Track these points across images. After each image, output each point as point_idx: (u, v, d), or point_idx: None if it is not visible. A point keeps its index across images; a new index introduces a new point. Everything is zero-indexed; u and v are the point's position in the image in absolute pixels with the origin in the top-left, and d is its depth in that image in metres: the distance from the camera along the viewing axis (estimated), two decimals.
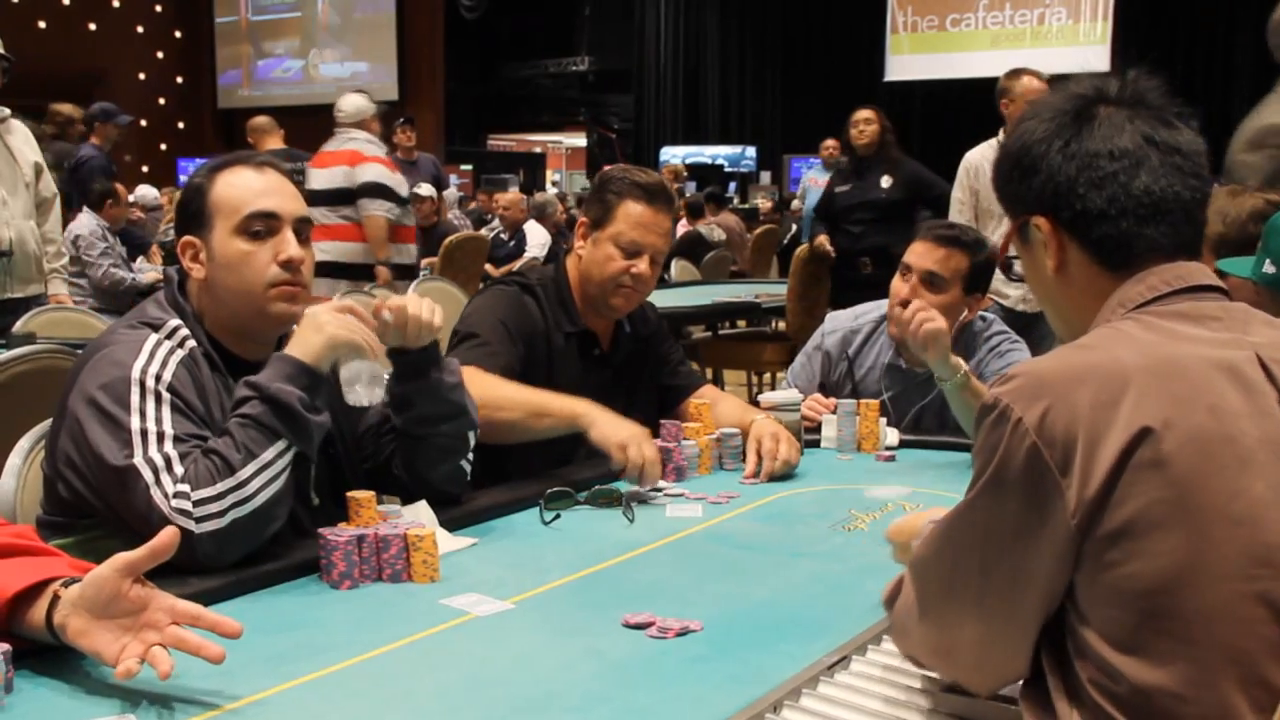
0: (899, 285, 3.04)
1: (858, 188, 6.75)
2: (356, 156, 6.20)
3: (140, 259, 8.29)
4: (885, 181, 6.68)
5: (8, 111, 4.90)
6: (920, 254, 3.03)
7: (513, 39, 20.31)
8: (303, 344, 2.00)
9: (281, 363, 1.97)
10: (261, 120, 7.15)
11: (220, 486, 1.85)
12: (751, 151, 18.64)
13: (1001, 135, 5.47)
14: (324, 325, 2.00)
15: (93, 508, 1.94)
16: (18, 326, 4.35)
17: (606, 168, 2.97)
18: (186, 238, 2.12)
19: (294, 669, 1.54)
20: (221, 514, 1.84)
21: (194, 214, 2.10)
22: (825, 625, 1.70)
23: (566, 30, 20.87)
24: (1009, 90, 5.55)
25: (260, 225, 2.06)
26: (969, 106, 5.78)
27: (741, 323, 8.24)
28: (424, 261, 8.75)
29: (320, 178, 6.25)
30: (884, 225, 6.57)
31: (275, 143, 7.03)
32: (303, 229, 2.11)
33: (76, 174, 7.79)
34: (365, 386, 2.02)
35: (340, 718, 1.42)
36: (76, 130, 8.05)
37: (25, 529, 1.73)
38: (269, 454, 1.90)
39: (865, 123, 6.65)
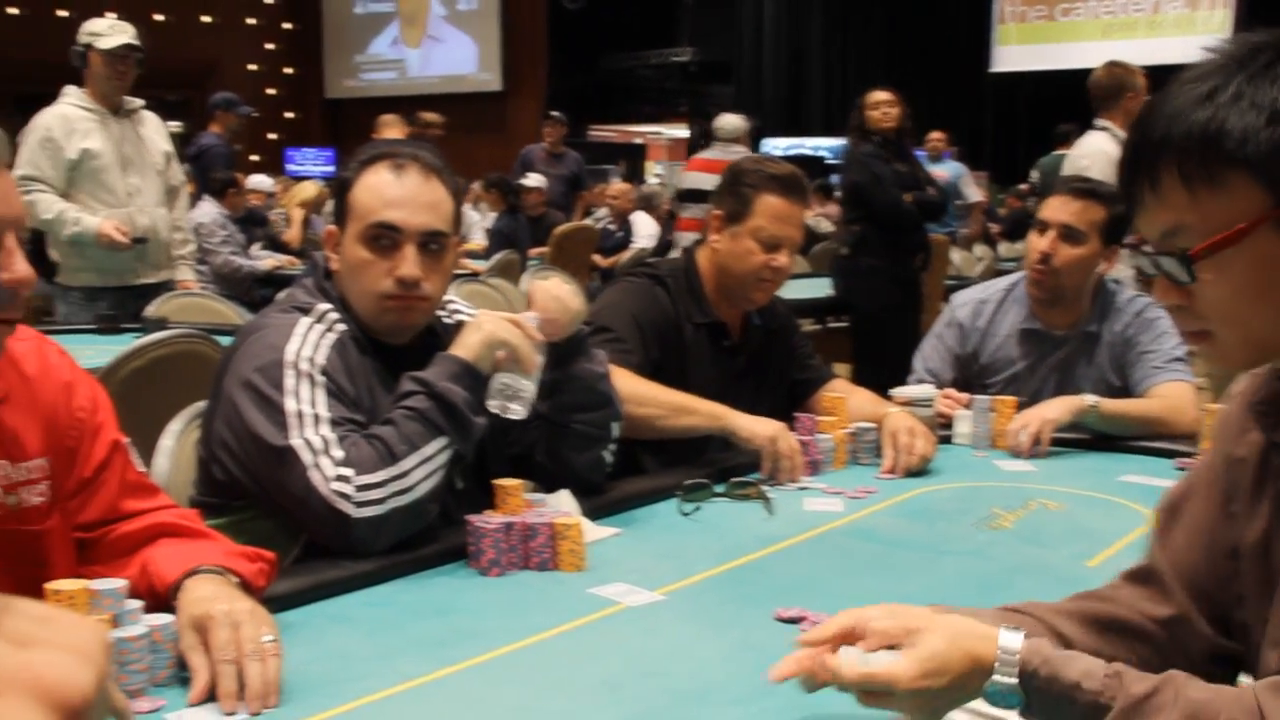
0: (1036, 241, 3.03)
1: (909, 171, 6.34)
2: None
3: (256, 245, 8.45)
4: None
5: (140, 102, 5.01)
6: (1056, 208, 3.02)
7: (614, 30, 20.31)
8: (467, 345, 2.02)
9: (448, 362, 1.99)
10: (389, 118, 7.25)
11: (383, 474, 1.87)
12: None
13: (1113, 128, 5.30)
14: (488, 327, 2.03)
15: (246, 490, 1.98)
16: (149, 310, 4.46)
17: (739, 159, 2.95)
18: (330, 227, 2.16)
19: (450, 654, 1.55)
20: (381, 501, 1.86)
21: (339, 206, 2.13)
22: None
23: (668, 21, 20.81)
24: (1130, 83, 5.39)
25: (383, 237, 2.06)
26: (1079, 98, 5.63)
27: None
28: (533, 251, 8.82)
29: (693, 179, 7.15)
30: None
31: (395, 133, 7.13)
32: (431, 241, 2.08)
33: (198, 162, 7.96)
34: (512, 398, 2.03)
35: (502, 703, 1.43)
36: None
37: (191, 513, 1.77)
38: (431, 448, 1.92)
39: (889, 104, 6.28)
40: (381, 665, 1.51)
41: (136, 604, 1.46)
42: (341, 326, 2.07)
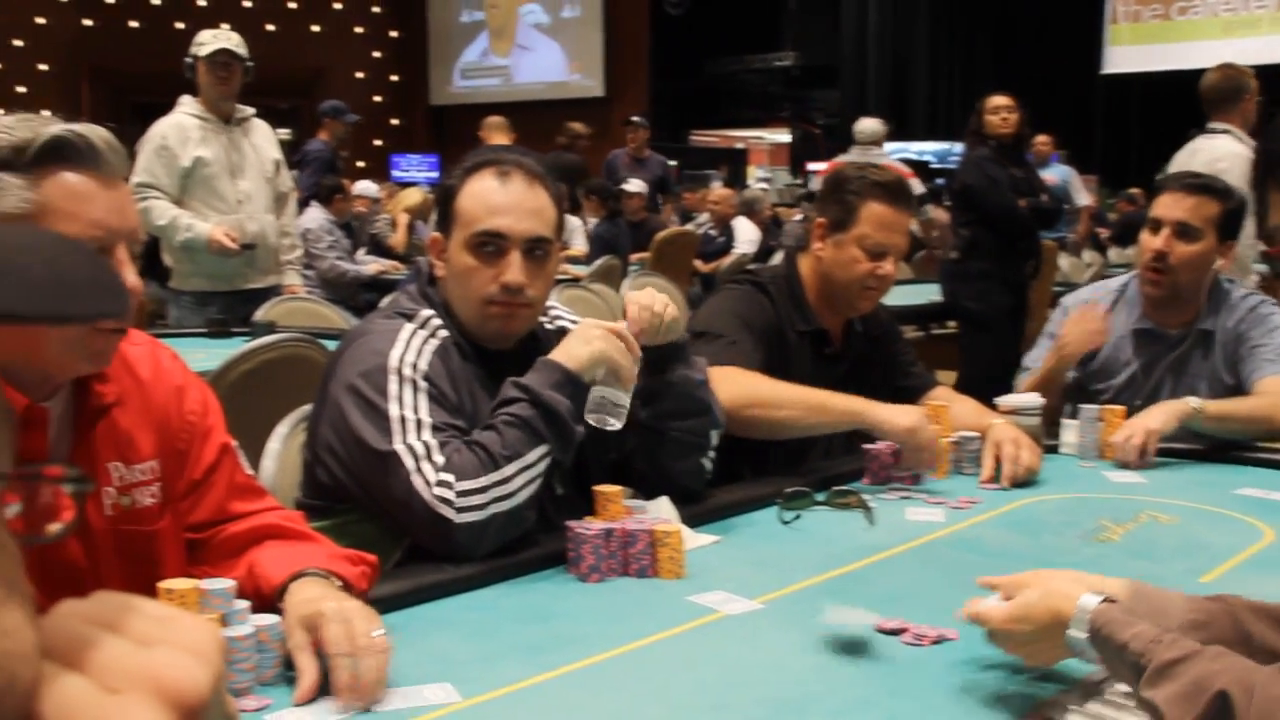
0: (1149, 240, 2.98)
1: (1026, 178, 6.23)
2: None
3: (361, 251, 8.59)
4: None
5: (251, 111, 5.13)
6: (1169, 205, 2.96)
7: (717, 34, 20.29)
8: (571, 355, 2.02)
9: (551, 370, 2.00)
10: (495, 120, 7.31)
11: (484, 480, 1.89)
12: (959, 148, 18.16)
13: (1235, 130, 5.15)
14: (593, 339, 2.03)
15: (350, 493, 2.00)
16: (258, 315, 4.55)
17: (841, 165, 2.93)
18: (435, 234, 2.18)
19: (550, 660, 1.56)
20: (482, 507, 1.87)
21: (444, 213, 2.16)
22: None
23: (771, 25, 20.74)
24: (1247, 85, 5.24)
25: (489, 244, 2.08)
26: (1195, 100, 5.46)
27: (952, 323, 8.04)
28: (634, 257, 8.84)
29: None
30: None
31: (501, 137, 7.19)
32: (535, 247, 2.10)
33: (304, 167, 8.13)
34: (610, 412, 2.03)
35: (600, 710, 1.43)
36: None
37: (296, 515, 1.80)
38: (532, 456, 1.93)
39: (1009, 110, 6.15)
40: (481, 669, 1.52)
41: (244, 604, 1.49)
42: (444, 333, 2.09)
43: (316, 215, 7.48)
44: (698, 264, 9.05)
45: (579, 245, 9.23)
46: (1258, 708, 1.15)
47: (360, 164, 17.06)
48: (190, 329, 4.77)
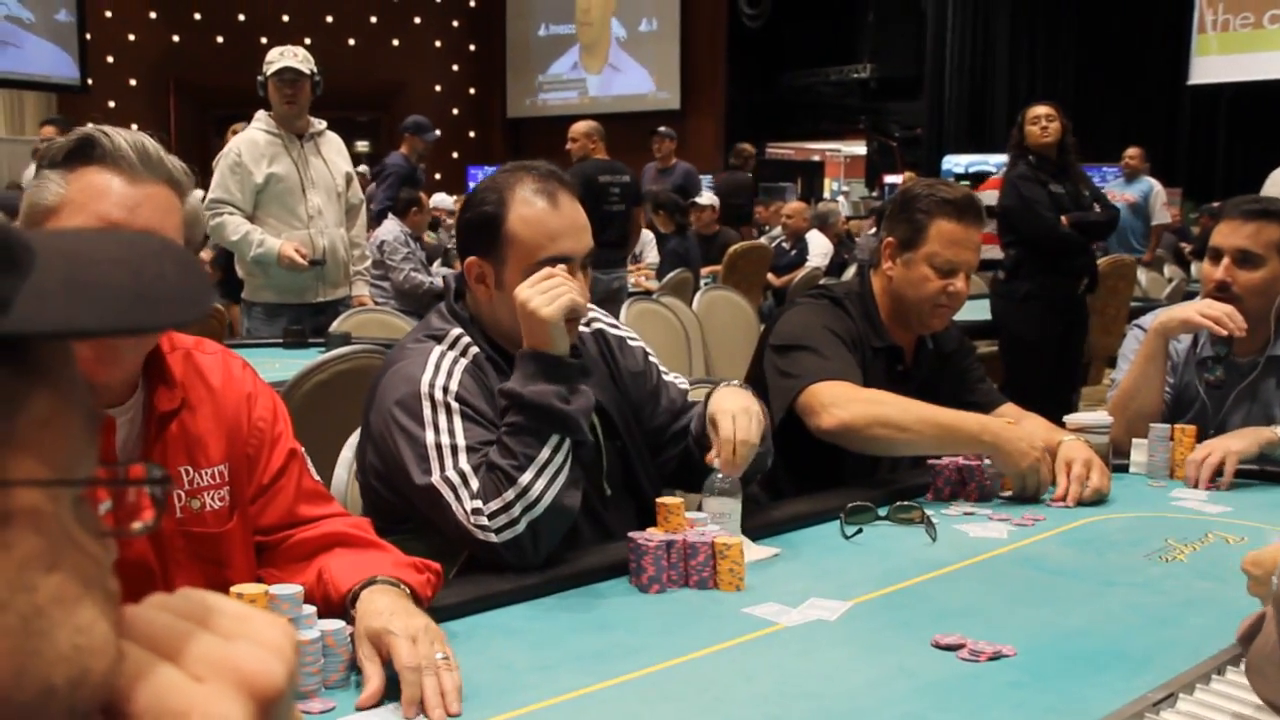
0: (1210, 270, 2.92)
1: (1069, 192, 5.93)
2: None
3: (437, 262, 8.69)
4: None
5: (323, 124, 5.24)
6: (1227, 233, 2.91)
7: (794, 47, 20.25)
8: (530, 334, 2.00)
9: (525, 362, 1.99)
10: (586, 126, 7.30)
11: (508, 496, 1.90)
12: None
13: None
14: (534, 309, 1.98)
15: (404, 514, 2.05)
16: (334, 327, 4.64)
17: (910, 184, 2.91)
18: (474, 259, 2.13)
19: (609, 669, 1.58)
20: (515, 521, 1.89)
21: (487, 240, 2.10)
22: (1147, 659, 1.63)
23: (849, 37, 20.65)
24: None
25: (553, 267, 2.07)
26: None
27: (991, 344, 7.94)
28: (706, 270, 8.86)
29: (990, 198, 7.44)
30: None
31: (600, 153, 7.22)
32: (587, 259, 2.13)
33: (382, 181, 8.25)
34: (728, 518, 2.06)
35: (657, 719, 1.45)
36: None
37: (363, 522, 1.85)
38: (545, 453, 1.94)
39: (1049, 118, 5.88)
40: (541, 677, 1.55)
41: (310, 609, 1.53)
42: (474, 350, 2.11)
43: (392, 228, 7.58)
44: (770, 277, 9.04)
45: (651, 258, 9.26)
46: None
47: (437, 176, 17.29)
48: (267, 340, 4.88)
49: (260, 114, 5.14)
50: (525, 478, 1.92)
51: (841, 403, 2.50)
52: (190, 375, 1.74)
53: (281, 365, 3.66)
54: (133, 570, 1.63)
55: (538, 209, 2.08)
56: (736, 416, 2.05)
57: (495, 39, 19.63)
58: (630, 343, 2.36)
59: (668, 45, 18.45)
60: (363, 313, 5.04)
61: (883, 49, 20.13)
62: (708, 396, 2.17)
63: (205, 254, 8.15)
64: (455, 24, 19.21)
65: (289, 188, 5.03)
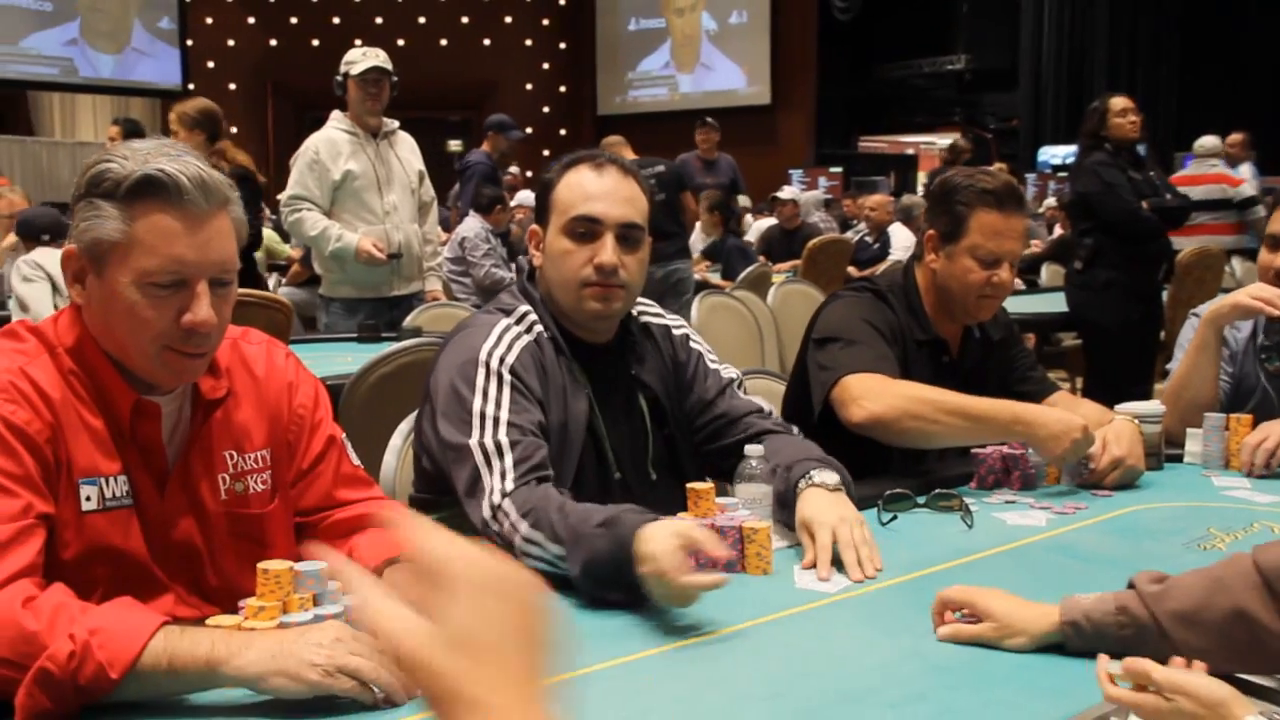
0: (1267, 258, 2.87)
1: (1145, 179, 5.97)
2: (1222, 178, 8.43)
3: (520, 258, 8.78)
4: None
5: (395, 124, 5.36)
6: None
7: (887, 39, 20.08)
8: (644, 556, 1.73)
9: (621, 540, 1.76)
10: (612, 139, 7.45)
11: (538, 536, 1.87)
12: (1140, 150, 17.52)
13: None
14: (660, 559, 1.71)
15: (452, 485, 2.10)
16: (407, 321, 4.76)
17: (948, 174, 2.89)
18: (533, 227, 2.28)
19: (623, 647, 1.62)
20: (514, 548, 1.89)
21: (541, 206, 2.25)
22: None
23: (943, 29, 20.41)
24: None
25: (583, 228, 2.16)
26: None
27: (1071, 336, 7.82)
28: (787, 264, 8.85)
29: (1196, 192, 7.72)
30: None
31: (625, 154, 7.31)
32: (628, 233, 2.18)
33: (463, 178, 8.38)
34: (759, 504, 2.10)
35: (661, 696, 1.49)
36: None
37: (397, 505, 1.92)
38: (557, 553, 1.84)
39: (1135, 111, 5.97)
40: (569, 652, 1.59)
41: (335, 584, 1.60)
42: (539, 329, 2.18)
43: (474, 224, 7.70)
44: (851, 271, 9.00)
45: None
46: None
47: (529, 174, 17.47)
48: (340, 334, 5.01)
49: (335, 114, 5.26)
50: (544, 540, 1.86)
51: (873, 396, 2.51)
52: (235, 364, 1.83)
53: (354, 359, 3.76)
54: (181, 549, 1.72)
55: (583, 175, 2.21)
56: (838, 529, 1.98)
57: (585, 36, 19.74)
58: (675, 331, 2.41)
59: (758, 39, 18.39)
60: (436, 307, 5.15)
61: (977, 40, 19.87)
62: (790, 476, 2.13)
63: (295, 251, 8.37)
64: (545, 22, 19.37)
65: (365, 184, 5.14)
